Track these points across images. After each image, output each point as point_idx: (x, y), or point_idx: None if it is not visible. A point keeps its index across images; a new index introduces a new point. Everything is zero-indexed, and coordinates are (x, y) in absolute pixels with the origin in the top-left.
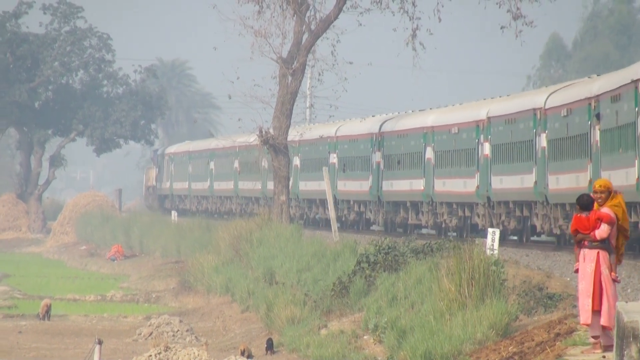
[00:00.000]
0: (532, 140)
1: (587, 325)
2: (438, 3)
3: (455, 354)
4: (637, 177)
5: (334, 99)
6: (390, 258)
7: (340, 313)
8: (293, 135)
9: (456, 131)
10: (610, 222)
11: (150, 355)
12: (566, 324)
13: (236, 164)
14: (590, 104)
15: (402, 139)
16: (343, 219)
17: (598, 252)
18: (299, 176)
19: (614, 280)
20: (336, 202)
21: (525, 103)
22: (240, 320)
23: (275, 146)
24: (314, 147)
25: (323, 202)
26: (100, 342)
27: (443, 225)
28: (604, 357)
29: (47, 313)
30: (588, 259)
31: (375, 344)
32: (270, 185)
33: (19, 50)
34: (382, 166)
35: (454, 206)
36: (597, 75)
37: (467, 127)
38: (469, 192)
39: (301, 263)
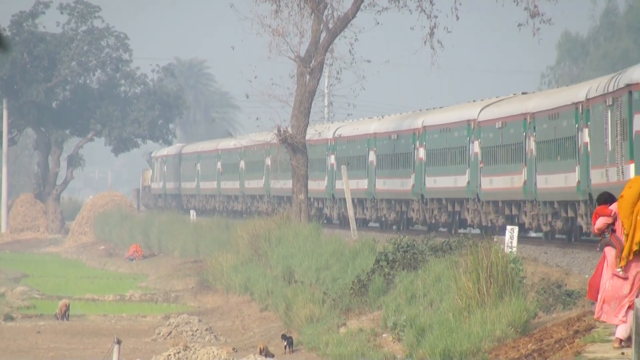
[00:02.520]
0: (465, 147)
1: (597, 319)
2: (456, 1)
3: (474, 352)
4: (577, 180)
5: (352, 97)
6: (409, 256)
7: (359, 311)
8: (311, 134)
9: (395, 137)
10: (606, 216)
11: (170, 355)
12: (585, 321)
13: (219, 166)
14: (525, 119)
15: (351, 144)
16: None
17: (605, 248)
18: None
19: (615, 275)
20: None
21: (460, 115)
22: (259, 319)
23: (294, 145)
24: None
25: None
26: (119, 342)
27: (383, 219)
28: (623, 353)
29: (65, 313)
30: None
31: (394, 342)
32: (250, 184)
33: (36, 50)
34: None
35: (393, 202)
36: (531, 92)
37: (405, 134)
38: (405, 190)
39: (320, 262)
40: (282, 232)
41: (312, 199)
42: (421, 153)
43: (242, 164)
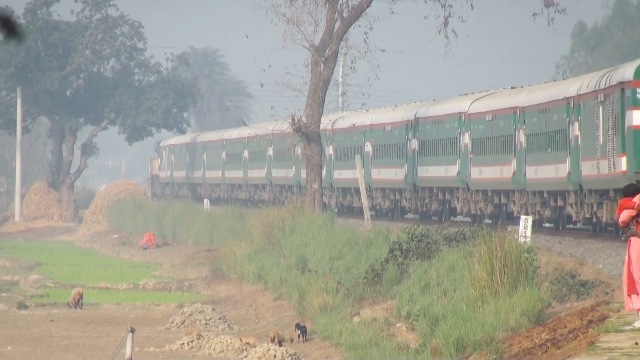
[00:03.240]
0: (456, 138)
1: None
2: None
3: (487, 341)
4: (568, 171)
5: (367, 86)
6: (422, 246)
7: (373, 301)
8: (325, 123)
9: (390, 129)
10: (629, 208)
11: (183, 344)
12: (599, 310)
13: (223, 155)
14: (515, 112)
15: (347, 134)
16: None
17: (630, 239)
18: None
19: None
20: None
21: (451, 108)
22: (273, 308)
23: (308, 134)
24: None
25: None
26: (132, 331)
27: (378, 207)
28: (637, 343)
29: (79, 301)
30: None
31: (407, 331)
32: (252, 173)
33: (51, 39)
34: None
35: (387, 191)
36: (521, 87)
37: (398, 126)
38: (399, 179)
39: (334, 251)
40: (295, 222)
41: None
42: (414, 144)
43: (245, 153)
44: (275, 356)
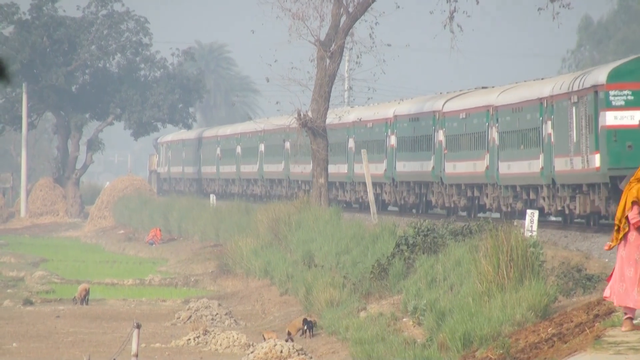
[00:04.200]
0: (431, 135)
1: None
2: None
3: (494, 336)
4: (541, 166)
5: (372, 81)
6: (429, 240)
7: (379, 295)
8: (332, 118)
9: (371, 126)
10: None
11: (189, 339)
12: (605, 305)
13: (218, 151)
14: (489, 111)
15: (333, 132)
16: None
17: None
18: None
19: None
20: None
21: (426, 106)
22: (279, 304)
23: (314, 129)
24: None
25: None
26: (138, 326)
27: (360, 201)
28: None
29: (85, 297)
30: None
31: (414, 326)
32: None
33: (56, 34)
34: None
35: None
36: (491, 87)
37: (378, 123)
38: (379, 174)
39: (340, 246)
40: (302, 216)
41: (299, 182)
42: (392, 140)
43: (238, 149)
44: (281, 352)
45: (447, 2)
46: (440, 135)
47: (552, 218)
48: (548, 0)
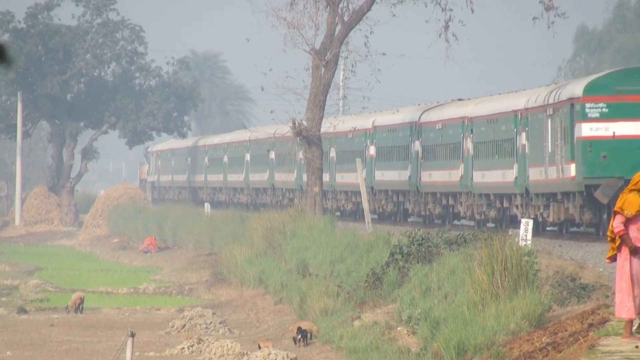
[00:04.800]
0: (408, 146)
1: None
2: None
3: (488, 345)
4: (515, 176)
5: (367, 90)
6: (423, 249)
7: (374, 304)
8: (327, 126)
9: (351, 136)
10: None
11: (183, 348)
12: (599, 314)
13: (206, 160)
14: (464, 122)
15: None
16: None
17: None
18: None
19: None
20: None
21: (404, 117)
22: (274, 312)
23: (309, 138)
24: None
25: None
26: (132, 335)
27: (342, 209)
28: (637, 347)
29: (79, 306)
30: None
31: (408, 335)
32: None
33: (51, 43)
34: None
35: (349, 194)
36: (467, 99)
37: (358, 134)
38: (357, 182)
39: (334, 254)
40: (296, 225)
41: (284, 190)
42: (372, 150)
43: (225, 158)
44: None
45: (443, 11)
46: (417, 146)
47: (548, 228)
48: (543, 9)
